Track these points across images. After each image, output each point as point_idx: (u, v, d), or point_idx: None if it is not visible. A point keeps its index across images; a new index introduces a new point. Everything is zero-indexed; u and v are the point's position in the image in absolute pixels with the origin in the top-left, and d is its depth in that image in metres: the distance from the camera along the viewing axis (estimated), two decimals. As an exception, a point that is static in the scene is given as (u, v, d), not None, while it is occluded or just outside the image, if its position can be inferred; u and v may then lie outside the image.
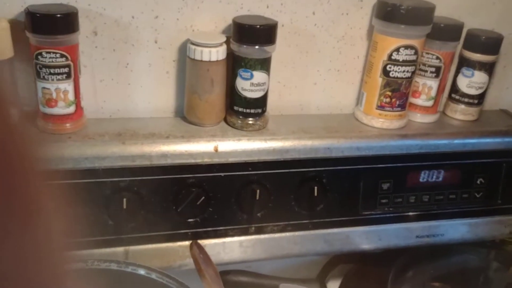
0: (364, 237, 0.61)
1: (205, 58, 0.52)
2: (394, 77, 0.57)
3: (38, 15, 0.47)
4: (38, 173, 0.20)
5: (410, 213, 0.62)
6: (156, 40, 0.55)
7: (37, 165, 0.20)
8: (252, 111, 0.55)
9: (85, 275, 0.49)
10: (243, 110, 0.55)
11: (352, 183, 0.59)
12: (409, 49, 0.56)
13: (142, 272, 0.49)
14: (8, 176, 0.18)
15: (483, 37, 0.62)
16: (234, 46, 0.53)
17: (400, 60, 0.56)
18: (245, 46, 0.53)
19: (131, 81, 0.56)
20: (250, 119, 0.56)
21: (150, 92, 0.57)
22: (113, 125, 0.54)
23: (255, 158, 0.54)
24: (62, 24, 0.48)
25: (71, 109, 0.51)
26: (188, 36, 0.54)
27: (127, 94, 0.56)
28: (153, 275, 0.49)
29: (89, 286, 0.48)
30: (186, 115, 0.56)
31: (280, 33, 0.55)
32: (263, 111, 0.57)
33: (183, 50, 0.55)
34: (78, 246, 0.54)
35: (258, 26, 0.52)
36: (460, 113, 0.65)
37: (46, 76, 0.49)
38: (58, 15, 0.47)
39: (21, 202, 0.18)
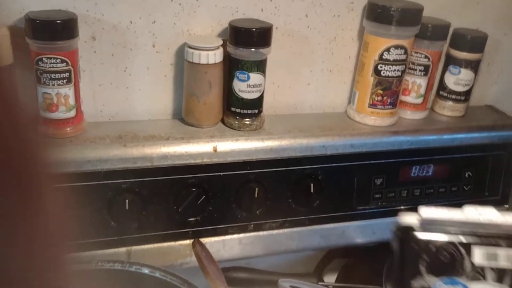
0: (358, 231, 0.63)
1: (203, 61, 0.54)
2: (385, 76, 0.59)
3: (38, 21, 0.48)
4: (46, 177, 0.21)
5: (402, 207, 0.65)
6: (154, 44, 0.56)
7: (46, 168, 0.21)
8: (249, 111, 0.57)
9: (89, 275, 0.50)
10: (240, 111, 0.57)
11: (347, 179, 0.61)
12: (399, 49, 0.58)
13: (146, 271, 0.50)
14: (16, 179, 0.18)
15: (469, 36, 0.64)
16: (231, 49, 0.55)
17: (391, 59, 0.59)
18: (241, 48, 0.54)
19: (129, 84, 0.57)
20: (247, 119, 0.57)
21: (148, 95, 0.58)
22: (113, 128, 0.55)
23: (253, 157, 0.56)
24: (62, 30, 0.49)
25: (72, 113, 0.52)
26: (185, 40, 0.56)
27: (126, 98, 0.57)
28: (157, 274, 0.50)
29: (93, 286, 0.49)
30: (185, 117, 0.58)
31: (274, 35, 0.56)
32: (260, 112, 0.58)
33: (180, 53, 0.56)
34: (81, 248, 0.55)
35: (254, 29, 0.54)
36: (448, 109, 0.67)
37: (47, 82, 0.50)
38: (58, 21, 0.48)
39: (27, 205, 0.19)
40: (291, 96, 0.63)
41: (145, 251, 0.56)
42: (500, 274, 0.25)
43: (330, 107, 0.66)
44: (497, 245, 0.26)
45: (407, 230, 0.28)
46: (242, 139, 0.56)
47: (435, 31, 0.61)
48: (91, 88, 0.55)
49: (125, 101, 0.58)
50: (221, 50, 0.55)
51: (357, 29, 0.62)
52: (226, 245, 0.58)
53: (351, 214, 0.62)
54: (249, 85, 0.56)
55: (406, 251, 0.28)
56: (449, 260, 0.26)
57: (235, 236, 0.58)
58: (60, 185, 0.22)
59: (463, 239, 0.26)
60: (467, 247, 0.26)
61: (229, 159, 0.55)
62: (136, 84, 0.57)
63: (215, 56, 0.54)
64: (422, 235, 0.27)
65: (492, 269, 0.25)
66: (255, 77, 0.55)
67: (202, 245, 0.53)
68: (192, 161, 0.54)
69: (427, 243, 0.27)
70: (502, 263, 0.25)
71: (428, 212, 0.28)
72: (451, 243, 0.26)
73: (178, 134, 0.56)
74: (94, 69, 0.55)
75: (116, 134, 0.54)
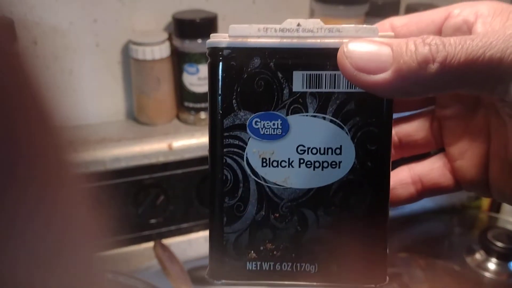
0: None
1: (148, 57, 0.52)
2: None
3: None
4: (71, 177, 0.19)
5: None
6: (98, 44, 0.54)
7: (71, 169, 0.20)
8: (203, 105, 0.56)
9: None
10: (194, 105, 0.55)
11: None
12: (350, 29, 0.57)
13: (109, 276, 0.49)
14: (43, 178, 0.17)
15: (422, 10, 0.63)
16: (177, 42, 0.53)
17: (343, 40, 0.58)
18: (187, 41, 0.53)
19: (76, 87, 0.55)
20: (202, 113, 0.56)
21: (98, 96, 0.56)
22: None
23: (210, 152, 0.55)
24: (-5, 36, 0.47)
25: (16, 122, 0.50)
26: (129, 36, 0.54)
27: (74, 101, 0.55)
28: (120, 278, 0.49)
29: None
30: (137, 116, 0.56)
31: (222, 26, 0.55)
32: (214, 104, 0.57)
33: (126, 51, 0.55)
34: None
35: (198, 20, 0.52)
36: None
37: (-16, 91, 0.48)
38: (-10, 27, 0.46)
39: (54, 207, 0.18)
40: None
41: (108, 257, 0.54)
42: (324, 102, 0.22)
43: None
44: (322, 67, 0.22)
45: (217, 54, 0.23)
46: (198, 134, 0.54)
47: (385, 8, 0.60)
48: (36, 94, 0.53)
49: (73, 104, 0.56)
50: (166, 44, 0.53)
51: (307, 13, 0.61)
52: (192, 244, 0.57)
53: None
54: (199, 78, 0.54)
55: (215, 82, 0.23)
56: (265, 89, 0.22)
57: (201, 233, 0.57)
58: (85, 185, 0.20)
59: (280, 61, 0.21)
60: (287, 71, 0.21)
61: (186, 156, 0.54)
62: (83, 86, 0.55)
63: (161, 51, 0.52)
64: (231, 60, 0.22)
65: (315, 97, 0.22)
66: (204, 69, 0.54)
67: (164, 247, 0.51)
68: (147, 161, 0.52)
69: (238, 69, 0.22)
70: (327, 89, 0.22)
71: (238, 30, 0.22)
72: (266, 68, 0.22)
73: (130, 134, 0.54)
74: (40, 74, 0.53)
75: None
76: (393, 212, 0.24)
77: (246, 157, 0.23)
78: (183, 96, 0.56)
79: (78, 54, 0.54)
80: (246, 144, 0.23)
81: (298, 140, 0.22)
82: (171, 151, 0.53)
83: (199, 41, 0.53)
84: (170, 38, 0.54)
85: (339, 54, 0.21)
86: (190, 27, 0.52)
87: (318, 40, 0.22)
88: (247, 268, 0.23)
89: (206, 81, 0.22)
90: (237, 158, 0.23)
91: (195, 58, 0.53)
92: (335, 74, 0.22)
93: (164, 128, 0.55)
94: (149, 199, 0.53)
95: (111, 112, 0.57)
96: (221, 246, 0.24)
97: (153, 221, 0.54)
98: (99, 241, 0.20)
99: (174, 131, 0.55)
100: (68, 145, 0.18)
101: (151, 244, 0.55)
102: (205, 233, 0.57)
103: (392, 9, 0.61)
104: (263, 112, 0.22)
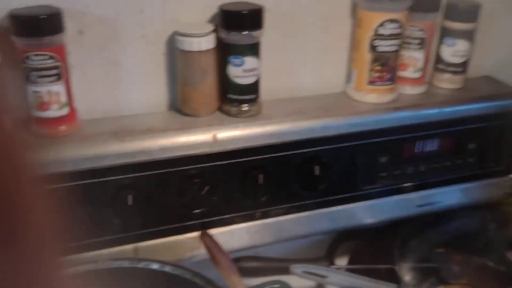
0: (367, 212, 0.62)
1: (195, 48, 0.52)
2: (382, 52, 0.58)
3: (22, 18, 0.46)
4: (31, 179, 0.20)
5: (409, 184, 0.64)
6: (144, 35, 0.54)
7: (31, 171, 0.20)
8: (246, 97, 0.56)
9: (96, 275, 0.49)
10: (237, 97, 0.56)
11: (350, 159, 0.60)
12: (394, 22, 0.57)
13: (155, 266, 0.49)
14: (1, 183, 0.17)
15: (461, 6, 0.63)
16: (223, 34, 0.53)
17: (386, 34, 0.57)
18: (233, 32, 0.53)
19: (121, 78, 0.55)
20: (245, 105, 0.56)
21: (142, 87, 0.56)
22: (108, 124, 0.54)
23: (254, 144, 0.55)
24: (47, 25, 0.47)
25: (65, 111, 0.50)
26: (175, 28, 0.54)
27: (119, 92, 0.56)
28: (167, 268, 0.49)
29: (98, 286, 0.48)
30: (181, 107, 0.56)
31: (266, 17, 0.55)
32: (257, 97, 0.57)
33: (171, 42, 0.55)
34: (85, 248, 0.53)
35: (245, 12, 0.52)
36: (447, 82, 0.66)
37: (36, 79, 0.48)
38: (42, 16, 0.47)
39: (13, 209, 0.18)
40: (287, 79, 0.62)
41: (152, 246, 0.54)
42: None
43: (327, 87, 0.64)
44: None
45: None
46: (242, 125, 0.55)
47: (427, 3, 0.60)
48: (83, 84, 0.54)
49: (118, 95, 0.56)
50: (212, 35, 0.53)
51: (350, 6, 0.61)
52: (234, 235, 0.57)
53: (357, 195, 0.61)
54: (244, 70, 0.54)
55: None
56: None
57: (243, 225, 0.57)
58: (50, 186, 0.21)
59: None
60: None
61: (230, 147, 0.54)
62: (128, 77, 0.55)
63: (207, 42, 0.52)
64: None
65: None
66: (249, 61, 0.54)
67: (210, 236, 0.52)
68: (192, 152, 0.53)
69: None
70: None
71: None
72: None
73: (175, 125, 0.54)
74: (84, 64, 0.53)
75: (112, 130, 0.53)
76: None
77: None
78: (226, 87, 0.56)
79: (123, 45, 0.54)
80: None
81: None
82: (215, 142, 0.53)
83: (245, 32, 0.53)
84: (215, 30, 0.54)
85: None
86: (237, 19, 0.52)
87: None
88: None
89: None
90: None
91: (240, 50, 0.53)
92: None
93: (207, 119, 0.56)
94: (193, 190, 0.54)
95: (154, 103, 0.58)
96: None
97: (196, 211, 0.55)
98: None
99: (218, 123, 0.55)
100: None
101: (194, 234, 0.55)
102: (247, 225, 0.58)
103: (434, 3, 0.61)
104: None
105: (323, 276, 0.56)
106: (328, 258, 0.62)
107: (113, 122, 0.54)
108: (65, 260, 0.21)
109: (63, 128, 0.51)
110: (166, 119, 0.56)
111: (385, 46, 0.58)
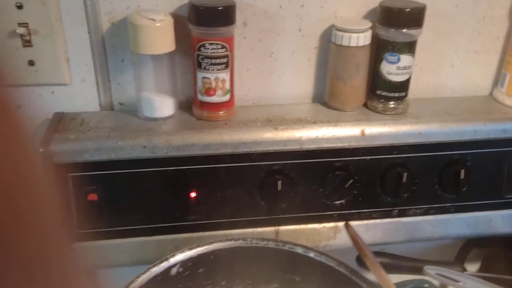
0: (506, 220, 0.60)
1: (352, 43, 0.53)
2: (544, 56, 0.55)
3: (201, 8, 0.50)
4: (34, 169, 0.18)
5: (554, 197, 0.60)
6: (300, 28, 0.56)
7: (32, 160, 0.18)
8: (396, 94, 0.56)
9: (243, 252, 0.52)
10: (386, 94, 0.56)
11: (496, 166, 0.58)
12: (562, 26, 0.54)
13: (299, 250, 0.51)
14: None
15: None
16: (381, 30, 0.54)
17: (552, 38, 0.54)
18: (392, 30, 0.53)
19: (274, 69, 0.58)
20: (392, 102, 0.56)
21: (291, 79, 0.59)
22: (260, 112, 0.57)
23: (400, 142, 0.55)
24: (223, 16, 0.50)
25: (227, 97, 0.54)
26: (330, 23, 0.55)
27: (270, 82, 0.59)
28: (311, 254, 0.51)
29: (247, 262, 0.51)
30: (328, 100, 0.58)
31: (428, 18, 0.54)
32: (406, 95, 0.57)
33: (324, 37, 0.56)
34: (232, 226, 0.56)
35: (407, 10, 0.52)
36: None
37: (207, 67, 0.52)
38: (220, 8, 0.50)
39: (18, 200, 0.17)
40: (433, 78, 0.61)
41: (291, 231, 0.57)
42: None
43: (472, 90, 0.62)
44: None
45: None
46: (390, 122, 0.55)
47: None
48: (239, 73, 0.57)
49: (269, 85, 0.59)
50: (370, 32, 0.54)
51: (508, 7, 0.58)
52: (369, 230, 0.58)
53: (499, 203, 0.59)
54: (398, 67, 0.54)
55: None
56: None
57: (379, 221, 0.58)
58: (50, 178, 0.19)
59: None
60: None
61: (377, 143, 0.55)
62: (280, 69, 0.58)
63: (365, 38, 0.53)
64: None
65: None
66: (405, 59, 0.54)
67: (354, 229, 0.53)
68: (340, 145, 0.54)
69: None
70: None
71: None
72: None
73: (323, 118, 0.56)
74: (243, 54, 0.56)
75: (265, 118, 0.55)
76: None
77: None
78: (376, 84, 0.56)
79: (280, 37, 0.56)
80: None
81: None
82: (363, 137, 0.54)
83: (404, 30, 0.53)
84: (371, 26, 0.54)
85: None
86: (398, 16, 0.53)
87: None
88: None
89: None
90: None
91: (398, 47, 0.53)
92: None
93: (354, 114, 0.57)
94: (337, 181, 0.55)
95: (300, 94, 0.60)
96: None
97: (337, 202, 0.56)
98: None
99: (365, 118, 0.56)
100: None
101: (331, 224, 0.57)
102: (383, 221, 0.58)
103: None
104: None
105: (456, 281, 0.55)
106: (459, 263, 0.61)
107: (264, 110, 0.57)
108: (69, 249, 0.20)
109: (222, 113, 0.54)
110: (312, 111, 0.58)
111: (548, 50, 0.55)
